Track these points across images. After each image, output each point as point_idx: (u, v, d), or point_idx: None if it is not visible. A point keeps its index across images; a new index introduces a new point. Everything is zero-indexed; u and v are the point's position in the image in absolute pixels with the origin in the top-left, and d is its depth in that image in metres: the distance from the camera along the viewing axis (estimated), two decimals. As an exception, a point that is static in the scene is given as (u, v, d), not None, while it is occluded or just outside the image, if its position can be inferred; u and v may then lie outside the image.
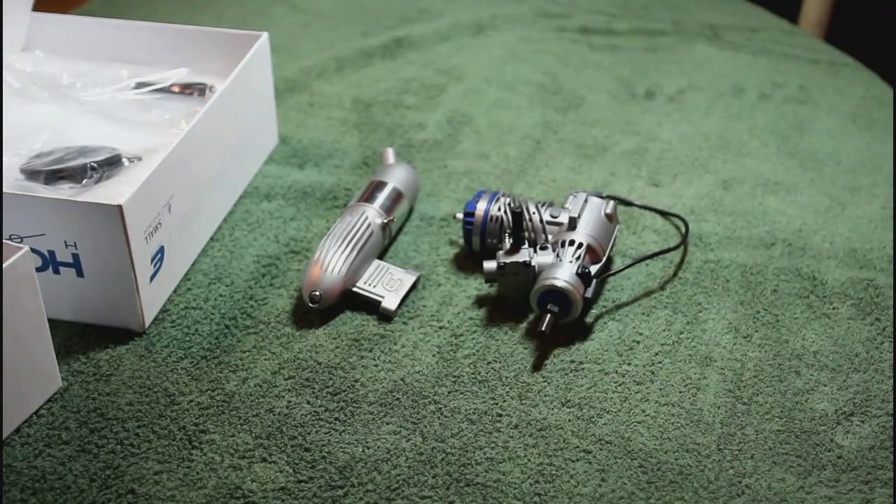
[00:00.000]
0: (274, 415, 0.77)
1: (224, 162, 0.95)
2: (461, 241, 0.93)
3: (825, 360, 0.82)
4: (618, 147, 1.09)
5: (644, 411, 0.78)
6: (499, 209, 0.89)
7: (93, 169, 0.87)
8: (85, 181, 0.87)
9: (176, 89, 1.02)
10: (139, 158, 0.91)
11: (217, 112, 0.91)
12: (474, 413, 0.77)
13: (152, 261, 0.82)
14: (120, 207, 0.77)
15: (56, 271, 0.81)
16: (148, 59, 1.04)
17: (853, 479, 0.73)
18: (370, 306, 0.87)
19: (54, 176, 0.87)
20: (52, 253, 0.80)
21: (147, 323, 0.83)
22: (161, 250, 0.84)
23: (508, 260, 0.85)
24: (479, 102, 1.17)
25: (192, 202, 0.88)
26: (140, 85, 1.02)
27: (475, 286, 0.89)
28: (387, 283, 0.87)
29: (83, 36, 1.07)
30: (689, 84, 1.22)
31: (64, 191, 0.86)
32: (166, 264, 0.85)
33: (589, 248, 0.85)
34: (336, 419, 0.77)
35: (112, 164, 0.89)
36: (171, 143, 0.85)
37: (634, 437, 0.76)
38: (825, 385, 0.80)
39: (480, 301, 0.88)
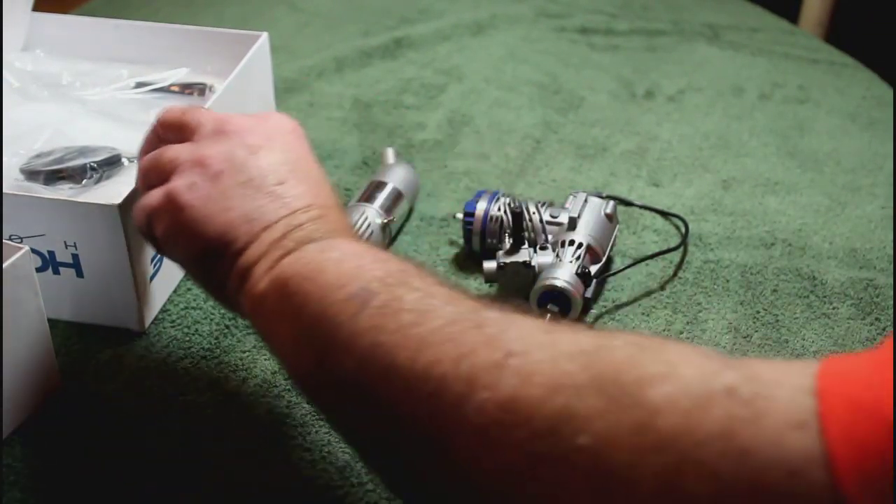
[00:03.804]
0: (274, 415, 0.77)
1: (224, 162, 0.95)
2: (461, 241, 0.93)
3: (825, 360, 0.82)
4: (618, 147, 1.09)
5: (644, 411, 0.78)
6: (499, 209, 0.89)
7: (92, 169, 0.87)
8: (84, 181, 0.87)
9: (176, 89, 1.02)
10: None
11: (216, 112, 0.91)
12: (474, 413, 0.77)
13: (152, 261, 0.82)
14: (120, 207, 0.77)
15: (56, 272, 0.81)
16: (148, 59, 1.04)
17: (853, 479, 0.73)
18: (370, 306, 0.86)
19: (54, 176, 0.87)
20: (51, 253, 0.80)
21: (147, 323, 0.83)
22: (161, 250, 0.84)
23: (508, 260, 0.85)
24: (479, 102, 1.17)
25: (192, 202, 0.88)
26: (140, 85, 1.02)
27: (475, 286, 0.89)
28: (387, 283, 0.87)
29: (83, 36, 1.06)
30: (689, 84, 1.22)
31: (64, 191, 0.86)
32: (166, 264, 0.85)
33: (589, 248, 0.85)
34: (336, 419, 0.77)
35: (112, 164, 0.89)
36: (170, 143, 0.85)
37: (634, 437, 0.75)
38: (825, 385, 0.80)
39: (480, 301, 0.88)
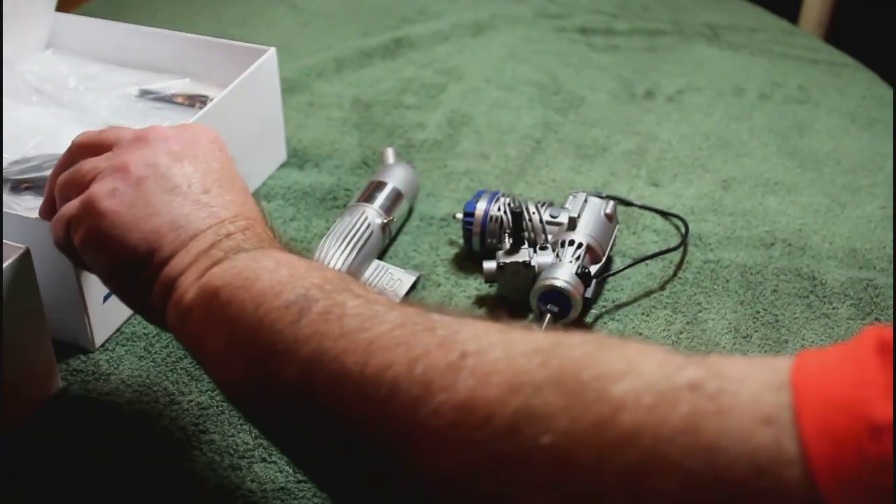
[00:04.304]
0: (274, 415, 0.77)
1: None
2: (461, 241, 0.93)
3: (825, 360, 0.82)
4: (618, 147, 1.09)
5: (644, 411, 0.77)
6: (499, 209, 0.89)
7: None
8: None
9: (180, 100, 1.01)
10: None
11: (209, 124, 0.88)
12: (474, 413, 0.77)
13: None
14: None
15: None
16: (158, 67, 1.03)
17: (853, 479, 0.73)
18: (370, 306, 0.86)
19: (19, 185, 0.85)
20: None
21: (98, 342, 0.81)
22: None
23: (508, 260, 0.85)
24: (479, 102, 1.17)
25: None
26: (142, 93, 1.01)
27: (475, 286, 0.89)
28: (387, 283, 0.87)
29: (94, 38, 1.05)
30: (689, 84, 1.22)
31: (26, 201, 0.84)
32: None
33: (589, 248, 0.85)
34: (336, 419, 0.76)
35: None
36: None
37: (634, 437, 0.75)
38: (825, 385, 0.80)
39: (480, 301, 0.88)
